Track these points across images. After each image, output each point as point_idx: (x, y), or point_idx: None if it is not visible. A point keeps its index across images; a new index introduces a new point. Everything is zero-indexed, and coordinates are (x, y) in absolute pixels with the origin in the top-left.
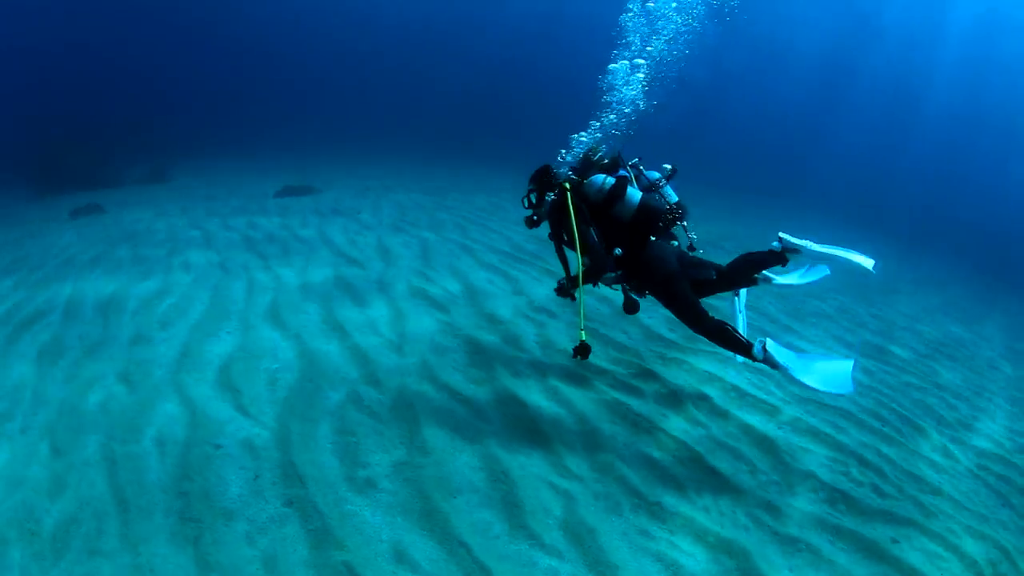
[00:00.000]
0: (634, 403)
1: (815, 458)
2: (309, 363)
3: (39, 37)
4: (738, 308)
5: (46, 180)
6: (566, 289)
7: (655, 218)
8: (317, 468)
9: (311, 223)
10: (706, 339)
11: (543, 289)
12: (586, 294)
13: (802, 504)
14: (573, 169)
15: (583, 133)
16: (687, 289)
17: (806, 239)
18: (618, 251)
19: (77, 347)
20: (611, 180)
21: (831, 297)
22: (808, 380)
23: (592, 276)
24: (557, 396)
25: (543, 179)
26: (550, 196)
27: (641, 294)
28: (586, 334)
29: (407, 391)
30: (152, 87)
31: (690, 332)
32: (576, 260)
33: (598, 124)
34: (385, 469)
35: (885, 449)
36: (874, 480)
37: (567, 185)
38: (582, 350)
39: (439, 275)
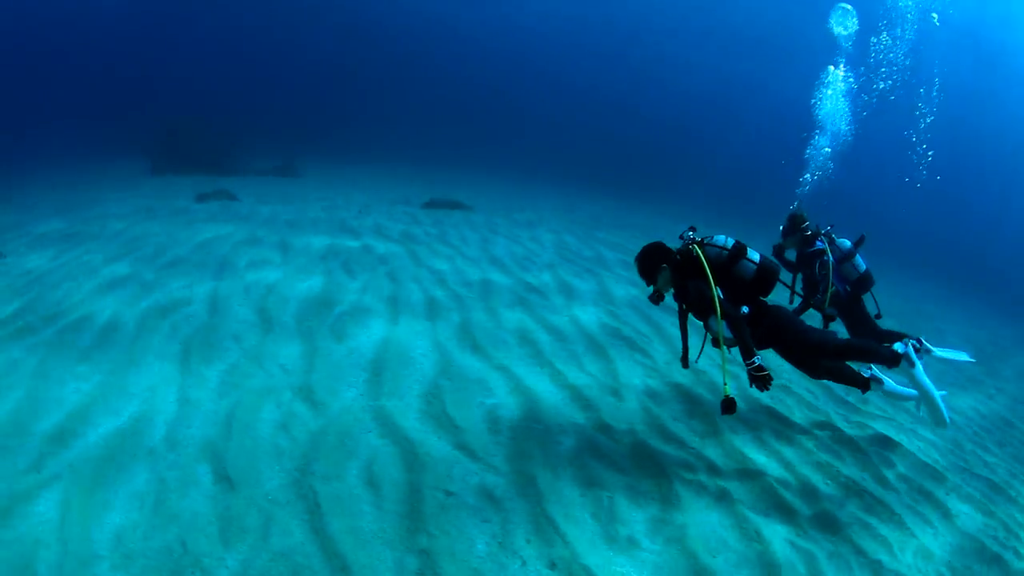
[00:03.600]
0: (841, 466)
1: (974, 522)
2: (527, 400)
3: (178, 26)
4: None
5: (165, 159)
6: (719, 342)
7: (774, 278)
8: (575, 524)
9: (472, 241)
10: (830, 379)
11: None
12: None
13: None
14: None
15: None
16: (808, 331)
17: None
18: (745, 309)
19: (234, 349)
20: (731, 240)
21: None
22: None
23: (742, 342)
24: (774, 453)
25: (653, 255)
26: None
27: (762, 346)
28: (733, 388)
29: (641, 441)
30: (286, 84)
31: (857, 393)
32: (716, 323)
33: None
34: (643, 526)
35: (1021, 519)
36: (1015, 545)
37: (696, 247)
38: (728, 406)
39: (625, 314)
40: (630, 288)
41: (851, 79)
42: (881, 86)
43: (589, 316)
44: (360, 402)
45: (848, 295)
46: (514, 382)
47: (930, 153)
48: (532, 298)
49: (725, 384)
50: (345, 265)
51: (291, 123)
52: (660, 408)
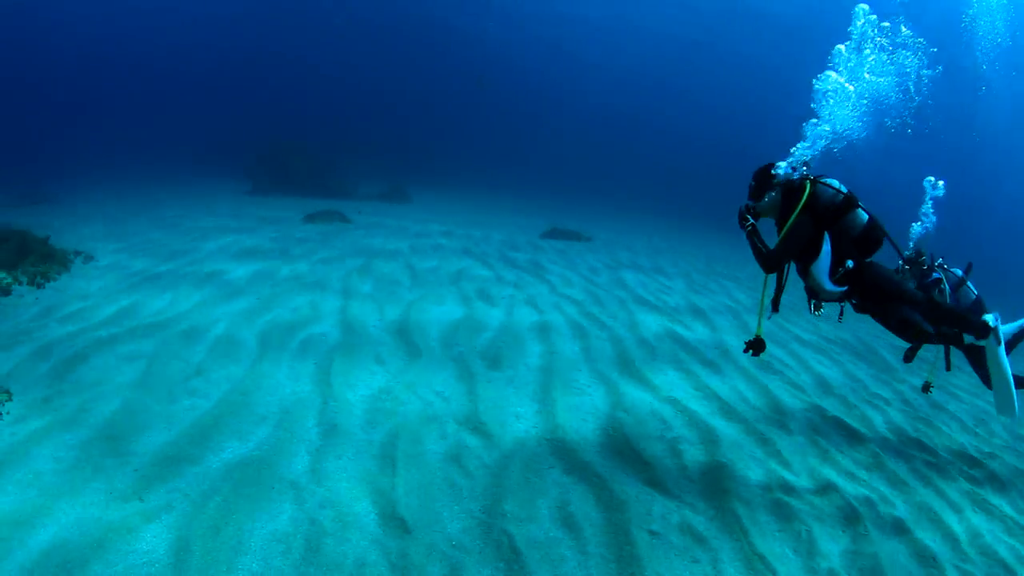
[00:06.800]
0: (985, 494)
1: None
2: (704, 434)
3: (298, 47)
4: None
5: (267, 179)
6: (817, 295)
7: (880, 237)
8: (781, 560)
9: (601, 271)
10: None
11: (864, 369)
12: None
13: None
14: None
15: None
16: (908, 309)
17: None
18: (849, 263)
19: (380, 373)
20: (845, 187)
21: None
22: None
23: (764, 264)
24: (930, 483)
25: (766, 174)
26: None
27: (861, 310)
28: (760, 332)
29: (820, 473)
30: (393, 108)
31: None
32: (816, 273)
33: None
34: (838, 558)
35: None
36: None
37: (808, 181)
38: (756, 345)
39: (768, 347)
40: (763, 321)
41: None
42: None
43: (736, 350)
44: (534, 434)
45: None
46: (687, 415)
47: None
48: (678, 330)
49: (759, 325)
50: (480, 291)
51: (398, 148)
52: (826, 441)
